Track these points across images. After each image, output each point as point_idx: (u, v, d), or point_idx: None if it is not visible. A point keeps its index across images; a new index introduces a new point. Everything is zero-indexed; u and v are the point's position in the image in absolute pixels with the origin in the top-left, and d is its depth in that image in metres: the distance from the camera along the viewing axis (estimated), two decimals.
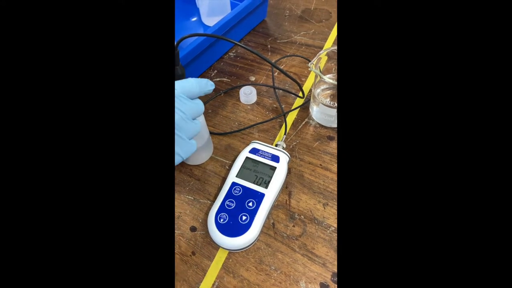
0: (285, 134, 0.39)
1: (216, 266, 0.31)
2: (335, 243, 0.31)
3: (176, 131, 0.27)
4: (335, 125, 0.40)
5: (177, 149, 0.27)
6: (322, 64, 0.43)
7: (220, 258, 0.31)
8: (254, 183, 0.32)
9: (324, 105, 0.38)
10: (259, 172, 0.33)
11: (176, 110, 0.27)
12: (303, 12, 0.58)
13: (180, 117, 0.27)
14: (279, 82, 0.47)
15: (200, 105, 0.29)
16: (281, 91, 0.45)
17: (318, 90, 0.40)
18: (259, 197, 0.31)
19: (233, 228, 0.30)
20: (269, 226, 0.33)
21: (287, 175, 0.35)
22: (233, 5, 0.56)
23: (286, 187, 0.35)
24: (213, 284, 0.29)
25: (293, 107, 0.43)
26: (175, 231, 0.33)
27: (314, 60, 0.36)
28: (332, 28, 0.54)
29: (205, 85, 0.29)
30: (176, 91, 0.28)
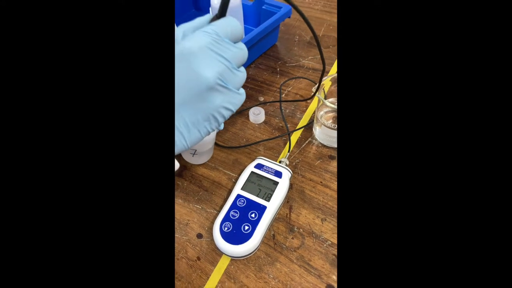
0: (289, 151, 0.42)
1: (219, 271, 0.33)
2: (331, 256, 0.33)
3: (222, 84, 0.23)
4: (335, 146, 0.43)
5: (226, 104, 0.24)
6: (326, 87, 0.47)
7: (222, 264, 0.33)
8: (257, 196, 0.35)
9: (326, 126, 0.41)
10: (263, 186, 0.36)
11: (219, 58, 0.23)
12: (312, 38, 0.62)
13: (225, 67, 0.23)
14: (285, 105, 0.50)
15: (245, 50, 0.25)
16: (287, 111, 0.49)
17: (321, 113, 0.43)
18: (261, 209, 0.34)
19: (236, 236, 0.32)
20: (269, 237, 0.35)
21: (288, 190, 0.38)
22: (247, 30, 0.61)
23: (287, 202, 0.38)
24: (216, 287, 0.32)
25: (297, 127, 0.46)
26: (183, 237, 0.36)
27: (318, 86, 0.39)
28: None
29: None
30: (216, 34, 0.23)
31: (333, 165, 0.41)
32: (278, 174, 0.37)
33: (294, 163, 0.42)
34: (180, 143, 0.23)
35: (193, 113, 0.23)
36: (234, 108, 0.25)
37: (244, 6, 0.58)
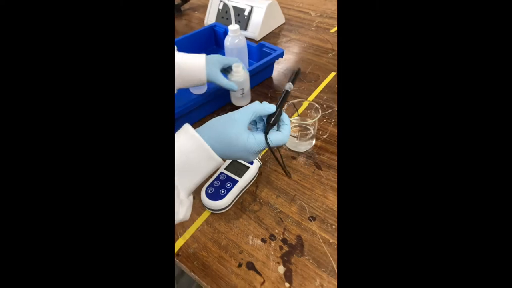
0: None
1: (201, 219, 0.49)
2: (277, 218, 0.49)
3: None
4: (297, 150, 0.59)
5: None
6: (301, 110, 0.64)
7: (204, 215, 0.50)
8: (233, 173, 0.52)
9: (291, 136, 0.58)
10: (239, 168, 0.53)
11: (262, 148, 0.38)
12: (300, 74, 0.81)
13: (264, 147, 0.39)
14: None
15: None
16: None
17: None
18: (234, 181, 0.51)
19: (214, 196, 0.49)
20: (238, 203, 0.51)
21: (257, 174, 0.54)
22: (250, 64, 0.81)
23: (255, 183, 0.54)
24: (197, 229, 0.48)
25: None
26: None
27: (285, 106, 0.56)
28: (317, 87, 0.75)
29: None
30: (273, 144, 0.38)
31: (294, 163, 0.57)
32: (251, 162, 0.54)
33: (267, 159, 0.59)
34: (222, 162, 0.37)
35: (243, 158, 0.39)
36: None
37: (250, 47, 0.79)
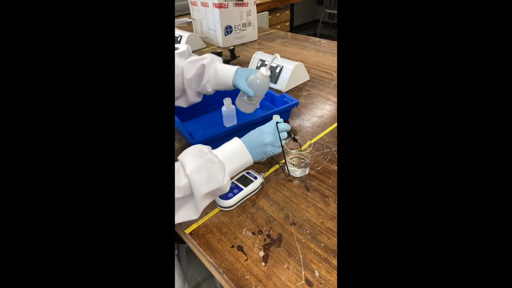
0: (267, 170, 0.77)
1: (212, 213, 0.67)
2: (267, 220, 0.65)
3: (271, 149, 0.67)
4: (294, 175, 0.76)
5: (272, 151, 0.68)
6: (304, 146, 0.82)
7: (215, 211, 0.68)
8: (241, 184, 0.71)
9: (289, 163, 0.75)
10: (245, 180, 0.71)
11: (275, 135, 0.66)
12: (310, 118, 1.00)
13: (275, 139, 0.66)
14: None
15: (284, 136, 0.68)
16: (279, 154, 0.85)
17: (290, 156, 0.78)
18: (240, 189, 0.69)
19: (224, 197, 0.67)
20: (241, 206, 0.69)
21: (259, 188, 0.72)
22: (271, 107, 1.03)
23: (257, 194, 0.72)
24: (208, 218, 0.66)
25: (279, 163, 0.81)
26: None
27: (286, 141, 0.75)
28: (322, 132, 0.93)
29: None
30: (276, 130, 0.66)
31: (289, 184, 0.74)
32: (255, 177, 0.72)
33: (270, 178, 0.76)
34: (252, 160, 0.66)
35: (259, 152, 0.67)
36: (275, 153, 0.68)
37: (275, 96, 1.01)
